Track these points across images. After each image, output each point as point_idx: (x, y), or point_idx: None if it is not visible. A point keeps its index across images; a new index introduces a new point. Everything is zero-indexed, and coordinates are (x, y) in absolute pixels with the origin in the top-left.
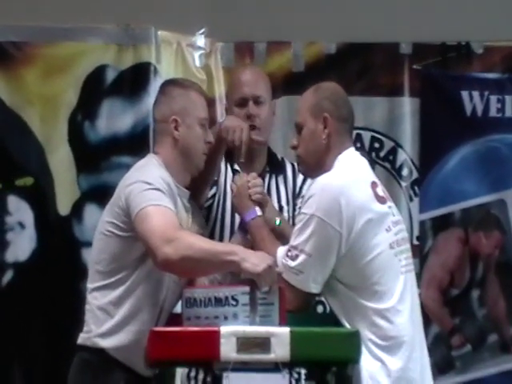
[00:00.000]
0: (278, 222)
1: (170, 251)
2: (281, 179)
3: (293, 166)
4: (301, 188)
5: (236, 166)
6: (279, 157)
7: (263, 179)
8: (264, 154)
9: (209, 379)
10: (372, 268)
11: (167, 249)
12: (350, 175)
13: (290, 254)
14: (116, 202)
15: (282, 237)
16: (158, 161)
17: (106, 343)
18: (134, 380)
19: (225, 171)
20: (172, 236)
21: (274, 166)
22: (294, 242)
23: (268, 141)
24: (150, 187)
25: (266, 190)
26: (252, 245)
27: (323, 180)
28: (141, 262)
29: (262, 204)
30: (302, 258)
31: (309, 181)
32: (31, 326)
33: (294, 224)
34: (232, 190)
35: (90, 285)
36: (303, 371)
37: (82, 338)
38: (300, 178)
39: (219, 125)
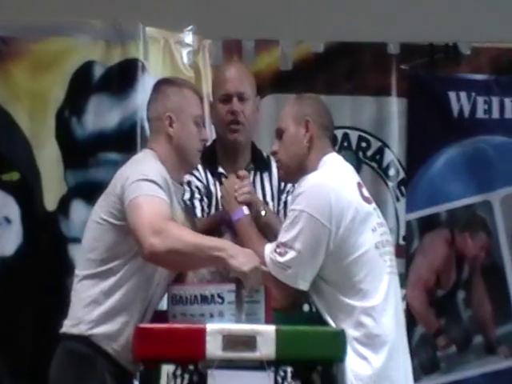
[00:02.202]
0: (263, 212)
1: (157, 243)
2: (266, 176)
3: None
4: (285, 184)
5: (220, 169)
6: (264, 154)
7: None
8: (248, 151)
9: (194, 377)
10: (357, 266)
11: (154, 240)
12: (338, 174)
13: (278, 250)
14: (112, 190)
15: (268, 227)
16: (154, 156)
17: (92, 331)
18: (117, 371)
19: (205, 176)
20: (160, 227)
21: (259, 163)
22: (282, 238)
23: (252, 137)
24: (145, 178)
25: None
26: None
27: (312, 177)
28: (134, 254)
29: (250, 204)
30: (290, 254)
31: None
32: (17, 322)
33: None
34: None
35: (79, 272)
36: (289, 369)
37: (66, 326)
38: None
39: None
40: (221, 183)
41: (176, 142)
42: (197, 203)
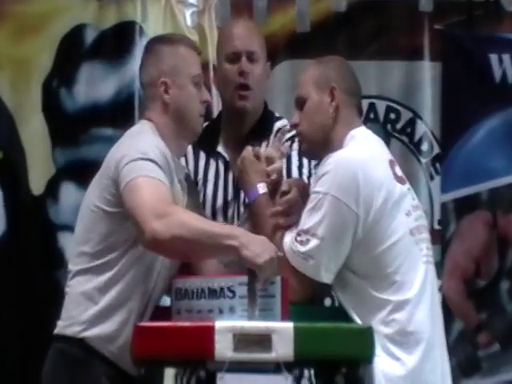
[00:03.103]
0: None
1: (160, 228)
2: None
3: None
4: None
5: (219, 148)
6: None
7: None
8: (254, 120)
9: (202, 381)
10: (391, 255)
11: (157, 225)
12: (368, 151)
13: (299, 238)
14: (105, 172)
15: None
16: (152, 128)
17: (86, 333)
18: (116, 376)
19: (194, 160)
20: (164, 211)
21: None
22: (304, 224)
23: (260, 106)
24: (143, 157)
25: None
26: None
27: (339, 155)
28: (132, 243)
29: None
30: (313, 242)
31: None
32: (1, 316)
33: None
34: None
35: (72, 267)
36: (306, 371)
37: (59, 327)
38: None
39: None
40: (217, 164)
41: (174, 109)
42: None
